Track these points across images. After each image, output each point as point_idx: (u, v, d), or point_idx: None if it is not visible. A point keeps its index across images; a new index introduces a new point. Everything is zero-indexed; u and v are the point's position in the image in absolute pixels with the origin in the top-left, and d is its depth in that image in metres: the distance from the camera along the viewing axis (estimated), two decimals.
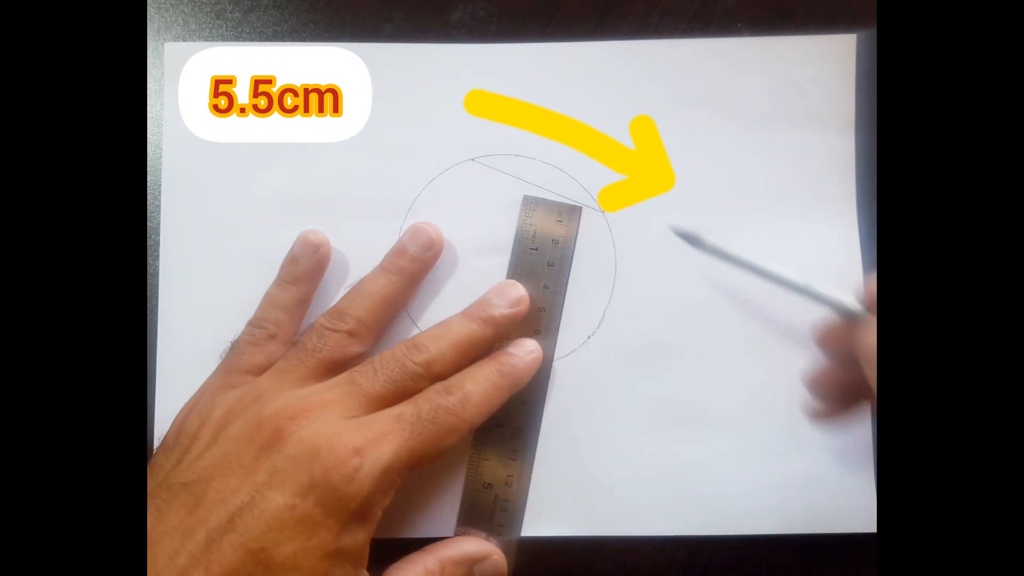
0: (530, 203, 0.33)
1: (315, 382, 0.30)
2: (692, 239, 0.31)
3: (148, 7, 0.35)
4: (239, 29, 0.35)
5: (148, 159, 0.34)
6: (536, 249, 0.33)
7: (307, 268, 0.32)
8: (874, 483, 0.32)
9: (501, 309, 0.31)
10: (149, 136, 0.34)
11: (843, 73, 0.34)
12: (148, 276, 0.33)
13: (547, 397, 0.33)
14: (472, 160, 0.34)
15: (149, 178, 0.34)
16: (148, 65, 0.34)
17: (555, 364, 0.33)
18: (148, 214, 0.34)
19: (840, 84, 0.34)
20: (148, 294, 0.33)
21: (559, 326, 0.33)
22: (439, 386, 0.29)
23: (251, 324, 0.32)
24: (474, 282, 0.33)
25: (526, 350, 0.31)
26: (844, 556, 0.32)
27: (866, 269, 0.33)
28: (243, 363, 0.31)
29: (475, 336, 0.31)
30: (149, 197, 0.34)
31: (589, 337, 0.33)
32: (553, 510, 0.33)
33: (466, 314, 0.32)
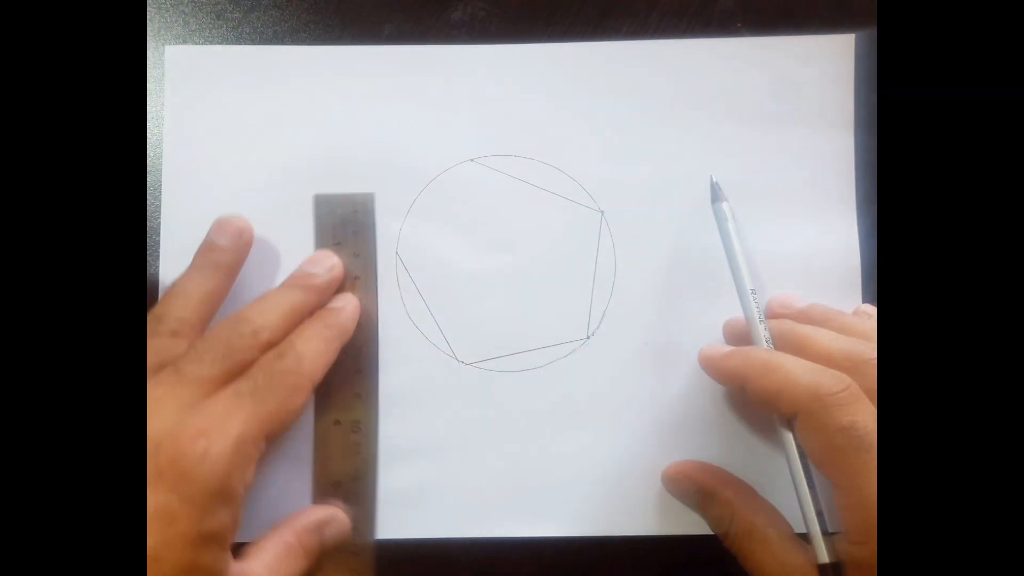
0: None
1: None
2: (716, 195, 0.32)
3: (148, 8, 0.35)
4: (239, 30, 0.35)
5: (148, 160, 0.34)
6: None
7: (229, 256, 0.32)
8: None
9: (320, 276, 0.32)
10: (149, 137, 0.34)
11: (842, 73, 0.34)
12: (148, 276, 0.33)
13: (546, 396, 0.33)
14: (472, 160, 0.34)
15: (149, 179, 0.34)
16: (148, 66, 0.34)
17: (555, 364, 0.33)
18: (148, 214, 0.34)
19: (839, 84, 0.34)
20: (148, 294, 0.33)
21: (376, 284, 0.33)
22: (270, 353, 0.29)
23: (153, 317, 0.30)
24: (474, 281, 0.33)
25: (345, 301, 0.32)
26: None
27: (865, 269, 0.33)
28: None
29: (298, 303, 0.31)
30: (149, 198, 0.34)
31: (589, 337, 0.33)
32: (551, 509, 0.33)
33: (287, 285, 0.32)
